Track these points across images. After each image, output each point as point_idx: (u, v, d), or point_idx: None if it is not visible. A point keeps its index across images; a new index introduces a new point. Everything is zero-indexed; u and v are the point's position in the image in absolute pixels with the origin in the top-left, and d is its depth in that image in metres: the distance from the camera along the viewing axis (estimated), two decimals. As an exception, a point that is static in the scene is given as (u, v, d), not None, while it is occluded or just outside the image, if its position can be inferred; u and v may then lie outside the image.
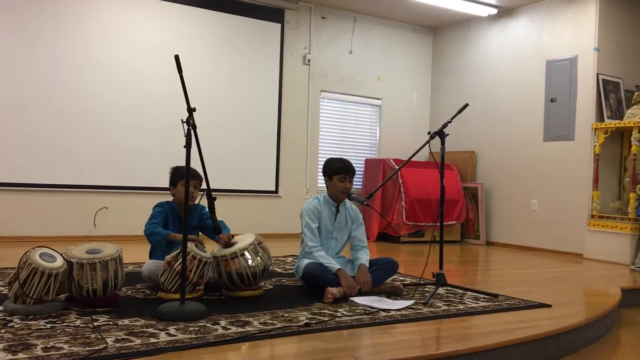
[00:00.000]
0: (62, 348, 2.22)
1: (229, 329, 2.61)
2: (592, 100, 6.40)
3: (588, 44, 6.46)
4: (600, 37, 6.41)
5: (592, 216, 6.30)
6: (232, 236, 3.44)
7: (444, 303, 3.40)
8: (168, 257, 3.13)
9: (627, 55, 6.67)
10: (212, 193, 3.04)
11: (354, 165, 3.77)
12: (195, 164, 2.98)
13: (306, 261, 3.61)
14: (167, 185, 3.66)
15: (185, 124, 2.79)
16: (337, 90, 7.72)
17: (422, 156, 7.85)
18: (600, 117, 6.41)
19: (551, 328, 2.95)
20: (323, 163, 3.81)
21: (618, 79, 6.56)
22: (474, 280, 4.72)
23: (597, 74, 6.39)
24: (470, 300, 3.54)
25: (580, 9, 6.56)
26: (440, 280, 3.78)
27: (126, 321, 2.67)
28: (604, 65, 6.45)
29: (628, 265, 5.76)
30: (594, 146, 6.31)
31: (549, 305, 3.49)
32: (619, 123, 6.18)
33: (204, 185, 3.14)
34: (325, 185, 3.79)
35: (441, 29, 8.32)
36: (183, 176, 3.06)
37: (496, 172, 7.48)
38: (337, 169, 3.67)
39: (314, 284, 3.49)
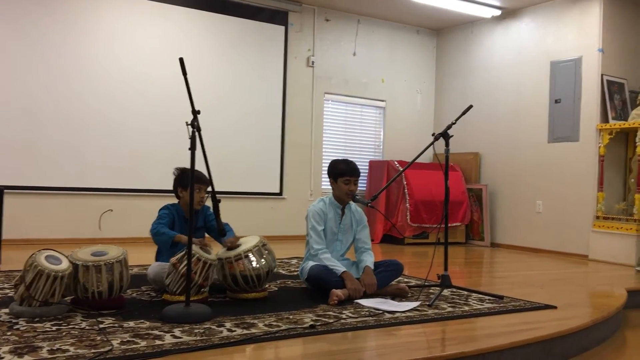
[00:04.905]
0: (67, 350, 2.23)
1: (234, 331, 2.62)
2: (597, 101, 6.39)
3: (592, 44, 6.45)
4: (605, 38, 6.40)
5: (597, 217, 6.28)
6: (238, 239, 3.45)
7: (449, 305, 3.40)
8: (173, 259, 3.13)
9: (632, 55, 6.65)
10: (217, 195, 3.05)
11: (358, 167, 3.76)
12: (200, 166, 2.98)
13: (311, 263, 3.61)
14: (172, 187, 3.65)
15: (190, 127, 2.80)
16: (341, 92, 7.73)
17: (426, 158, 7.83)
18: (604, 118, 6.40)
19: (557, 330, 2.94)
20: (328, 164, 3.80)
21: (622, 79, 6.55)
22: (479, 282, 4.71)
23: (602, 75, 6.38)
24: (475, 301, 3.53)
25: (584, 10, 6.55)
26: (445, 282, 3.77)
27: (131, 323, 2.68)
28: (608, 66, 6.44)
29: (633, 266, 5.73)
30: (599, 147, 6.30)
31: (554, 307, 3.48)
32: (624, 124, 6.16)
33: (209, 189, 3.14)
34: (329, 187, 3.78)
35: (445, 31, 8.32)
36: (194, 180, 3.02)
37: (501, 174, 7.46)
38: (342, 171, 3.65)
39: (319, 286, 3.49)
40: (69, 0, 6.00)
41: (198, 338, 2.47)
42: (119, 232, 6.14)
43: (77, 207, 6.03)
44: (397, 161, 7.40)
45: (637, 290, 4.47)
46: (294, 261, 5.06)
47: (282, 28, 7.24)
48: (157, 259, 3.60)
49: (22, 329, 2.52)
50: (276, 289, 3.76)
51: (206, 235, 3.66)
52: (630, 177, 6.50)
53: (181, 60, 2.82)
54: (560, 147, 6.74)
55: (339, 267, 3.52)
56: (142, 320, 2.73)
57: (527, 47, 7.19)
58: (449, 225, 4.15)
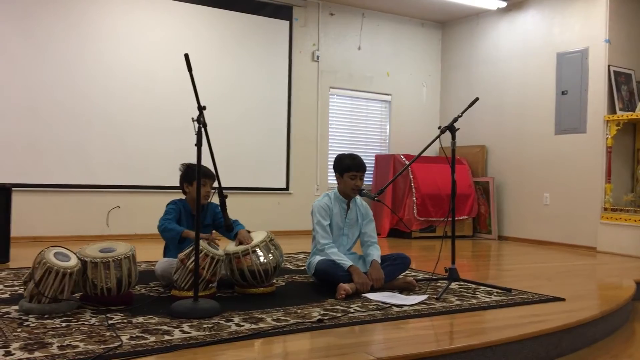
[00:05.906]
0: (77, 346, 2.24)
1: (243, 325, 2.63)
2: (604, 92, 6.35)
3: (599, 35, 6.41)
4: (611, 29, 6.35)
5: (605, 209, 6.25)
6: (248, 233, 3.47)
7: (456, 298, 3.40)
8: (181, 255, 3.15)
9: (639, 46, 6.60)
10: (224, 191, 3.05)
11: (364, 161, 3.75)
12: (207, 162, 2.99)
13: (318, 258, 3.61)
14: (178, 183, 3.66)
15: (195, 122, 2.80)
16: (347, 87, 7.71)
17: (433, 151, 7.82)
18: (612, 109, 6.36)
19: (565, 322, 2.93)
20: (334, 159, 3.80)
21: (630, 70, 6.50)
22: (487, 275, 4.70)
23: (609, 66, 6.34)
24: (483, 294, 3.53)
25: (590, 0, 6.50)
26: (452, 275, 3.77)
27: (140, 319, 2.69)
28: (615, 56, 6.39)
29: (642, 258, 5.72)
30: (606, 138, 6.26)
31: (563, 299, 3.48)
32: (631, 115, 6.12)
33: (215, 184, 3.15)
34: (336, 182, 3.78)
35: (450, 23, 8.28)
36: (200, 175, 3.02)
37: (507, 166, 7.44)
38: (348, 166, 3.65)
39: (327, 281, 3.50)
40: (73, -2, 6.02)
41: (207, 333, 2.48)
42: (126, 229, 6.16)
43: (84, 204, 6.06)
44: (403, 155, 7.39)
45: (646, 281, 4.45)
46: (301, 256, 5.07)
47: (287, 23, 7.23)
48: (165, 254, 3.62)
49: (32, 325, 2.54)
50: (284, 283, 3.77)
51: (214, 232, 3.67)
52: (638, 169, 6.46)
53: (186, 56, 2.82)
54: (567, 139, 6.71)
55: (346, 262, 3.53)
56: (151, 316, 2.75)
57: (533, 39, 7.15)
58: (456, 218, 4.14)
